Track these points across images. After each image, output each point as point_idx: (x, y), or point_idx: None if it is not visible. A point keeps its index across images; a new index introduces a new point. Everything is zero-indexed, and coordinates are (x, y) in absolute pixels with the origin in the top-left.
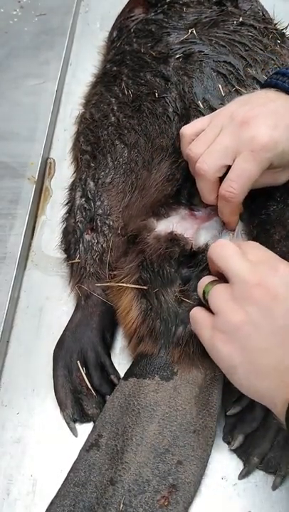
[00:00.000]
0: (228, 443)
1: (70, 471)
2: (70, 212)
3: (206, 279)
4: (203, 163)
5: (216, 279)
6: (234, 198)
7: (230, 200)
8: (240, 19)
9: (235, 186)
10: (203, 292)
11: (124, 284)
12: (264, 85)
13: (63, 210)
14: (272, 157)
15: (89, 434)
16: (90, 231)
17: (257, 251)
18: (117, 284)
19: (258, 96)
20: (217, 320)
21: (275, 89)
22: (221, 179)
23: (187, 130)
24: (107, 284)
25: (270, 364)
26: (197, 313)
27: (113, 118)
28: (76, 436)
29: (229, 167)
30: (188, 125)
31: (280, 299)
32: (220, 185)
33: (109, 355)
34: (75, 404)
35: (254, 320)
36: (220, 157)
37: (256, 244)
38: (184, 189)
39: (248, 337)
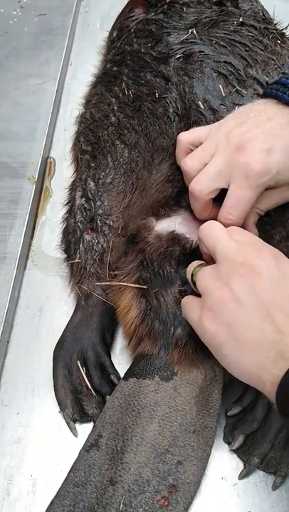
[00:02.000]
0: (229, 443)
1: (70, 471)
2: (70, 212)
3: (195, 263)
4: (198, 183)
5: (204, 262)
6: (233, 224)
7: (231, 225)
8: (241, 19)
9: (234, 213)
10: (192, 276)
11: (124, 283)
12: (264, 95)
13: (63, 210)
14: (268, 181)
15: (89, 434)
16: (90, 231)
17: (242, 233)
18: (117, 283)
19: (257, 110)
20: (204, 300)
21: (276, 101)
22: (215, 199)
23: (184, 137)
24: (107, 283)
25: (255, 339)
26: (187, 298)
27: (113, 118)
28: (76, 436)
29: (223, 189)
30: (186, 132)
31: (263, 276)
32: (212, 203)
33: (109, 355)
34: (75, 404)
35: (238, 296)
36: (213, 180)
37: (241, 229)
38: (185, 192)
39: (233, 313)
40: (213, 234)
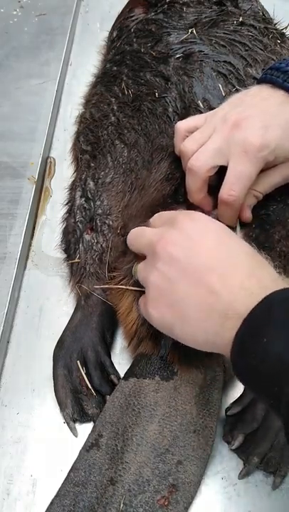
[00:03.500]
0: (228, 443)
1: (70, 471)
2: (70, 212)
3: (136, 263)
4: (197, 160)
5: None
6: (235, 201)
7: (232, 203)
8: (240, 19)
9: (236, 188)
10: (134, 275)
11: (123, 287)
12: (259, 81)
13: (63, 210)
14: (267, 155)
15: (89, 434)
16: (89, 231)
17: (159, 217)
18: (115, 286)
19: (252, 94)
20: (146, 291)
21: (270, 85)
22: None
23: (182, 125)
24: (106, 286)
25: (196, 309)
26: (139, 299)
27: (113, 118)
28: (76, 436)
29: (220, 170)
30: (183, 120)
31: (179, 245)
32: (207, 186)
33: (109, 355)
34: (75, 404)
35: (166, 274)
36: (213, 156)
37: (160, 213)
38: (181, 188)
39: (168, 292)
40: (134, 236)
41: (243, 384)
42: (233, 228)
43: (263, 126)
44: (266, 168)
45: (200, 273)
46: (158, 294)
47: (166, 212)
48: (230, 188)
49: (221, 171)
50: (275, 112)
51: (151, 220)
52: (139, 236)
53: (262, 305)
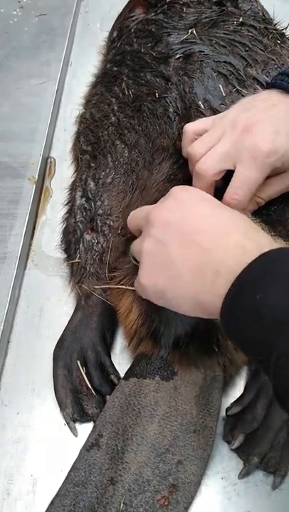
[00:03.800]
0: (228, 443)
1: (70, 471)
2: (70, 212)
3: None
4: (204, 163)
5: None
6: (238, 205)
7: (234, 206)
8: (241, 19)
9: (240, 193)
10: (131, 255)
11: (123, 287)
12: (269, 86)
13: (63, 210)
14: (275, 161)
15: (89, 434)
16: (90, 231)
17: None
18: (115, 287)
19: (261, 99)
20: (140, 265)
21: (280, 91)
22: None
23: (190, 127)
24: (106, 286)
25: (188, 268)
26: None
27: (113, 118)
28: (76, 436)
29: (226, 174)
30: (191, 123)
31: (173, 210)
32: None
33: (109, 355)
34: (75, 404)
35: (159, 238)
36: (220, 160)
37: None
38: None
39: (160, 255)
40: (132, 215)
41: (232, 341)
42: None
43: (274, 131)
44: (272, 175)
45: (193, 234)
46: (151, 260)
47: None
48: (235, 192)
49: (228, 174)
50: (284, 118)
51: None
52: (137, 212)
53: (257, 262)
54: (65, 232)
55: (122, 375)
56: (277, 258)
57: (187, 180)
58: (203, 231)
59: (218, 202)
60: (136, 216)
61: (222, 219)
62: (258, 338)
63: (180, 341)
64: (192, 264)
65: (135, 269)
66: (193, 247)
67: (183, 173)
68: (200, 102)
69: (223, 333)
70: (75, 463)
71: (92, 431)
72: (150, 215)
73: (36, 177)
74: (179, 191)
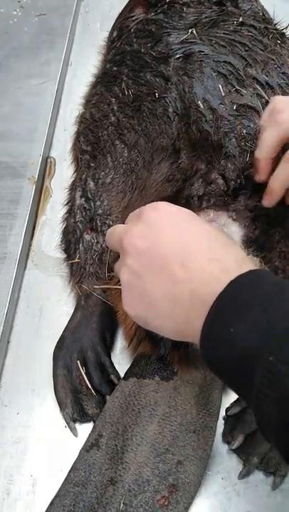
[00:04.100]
0: (228, 443)
1: (70, 471)
2: (70, 212)
3: None
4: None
5: None
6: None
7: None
8: (241, 19)
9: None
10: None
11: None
12: None
13: (63, 210)
14: None
15: (89, 434)
16: (89, 231)
17: (131, 213)
18: (115, 287)
19: None
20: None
21: None
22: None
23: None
24: (105, 286)
25: (163, 298)
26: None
27: (113, 118)
28: (76, 436)
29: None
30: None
31: (143, 236)
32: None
33: (109, 355)
34: (75, 404)
35: (133, 267)
36: None
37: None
38: (182, 190)
39: (137, 286)
40: (110, 235)
41: (213, 373)
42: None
43: None
44: None
45: (163, 262)
46: (130, 289)
47: (136, 209)
48: None
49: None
50: None
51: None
52: (111, 234)
53: (226, 292)
54: (65, 232)
55: (121, 375)
56: (245, 284)
57: (186, 180)
58: (173, 257)
59: (190, 214)
60: (110, 238)
61: (190, 237)
62: (236, 372)
63: (179, 342)
64: (167, 295)
65: None
66: (166, 278)
67: (182, 173)
68: (199, 102)
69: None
70: (74, 463)
71: (92, 431)
72: (123, 242)
73: (36, 177)
74: (148, 212)
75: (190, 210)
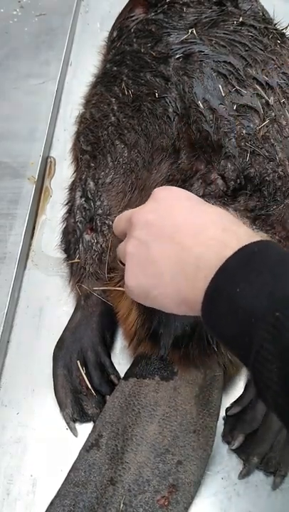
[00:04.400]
0: (228, 443)
1: (70, 471)
2: (70, 212)
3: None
4: None
5: None
6: None
7: None
8: (241, 19)
9: None
10: (118, 258)
11: (121, 289)
12: None
13: (63, 210)
14: None
15: (89, 434)
16: (89, 231)
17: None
18: (114, 288)
19: None
20: (125, 267)
21: None
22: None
23: None
24: (105, 287)
25: (170, 266)
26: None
27: (113, 118)
28: (76, 436)
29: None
30: None
31: (154, 211)
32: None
33: (109, 355)
34: (75, 404)
35: (140, 238)
36: None
37: None
38: None
39: (144, 256)
40: (117, 219)
41: (212, 334)
42: None
43: None
44: None
45: (173, 232)
46: (135, 261)
47: None
48: None
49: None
50: None
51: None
52: (121, 216)
53: (236, 256)
54: (65, 232)
55: (121, 375)
56: (256, 251)
57: (185, 180)
58: (182, 228)
59: (199, 199)
60: (120, 220)
61: (201, 215)
62: (237, 332)
63: (180, 342)
64: (173, 261)
65: None
66: (174, 245)
67: (181, 173)
68: (199, 102)
69: (204, 327)
70: (74, 463)
71: (91, 431)
72: (132, 218)
73: (36, 177)
74: (159, 191)
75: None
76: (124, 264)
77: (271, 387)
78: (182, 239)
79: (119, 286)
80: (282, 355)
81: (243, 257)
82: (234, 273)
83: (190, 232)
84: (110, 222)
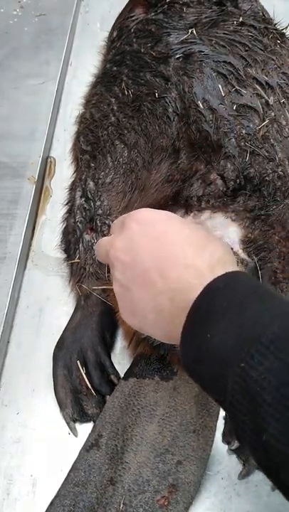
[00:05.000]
0: (228, 443)
1: (70, 471)
2: (70, 212)
3: None
4: None
5: None
6: None
7: None
8: (240, 19)
9: None
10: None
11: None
12: None
13: (63, 210)
14: None
15: (89, 434)
16: (89, 231)
17: (115, 222)
18: (112, 288)
19: None
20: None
21: None
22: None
23: None
24: (105, 286)
25: (149, 309)
26: None
27: (113, 118)
28: (76, 436)
29: None
30: None
31: (125, 249)
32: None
33: (109, 355)
34: (75, 404)
35: (121, 281)
36: None
37: (117, 218)
38: (182, 190)
39: (126, 298)
40: (98, 248)
41: (192, 378)
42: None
43: None
44: None
45: (144, 275)
46: (122, 301)
47: (120, 217)
48: None
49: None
50: None
51: (112, 226)
52: (98, 247)
53: (200, 298)
54: (65, 232)
55: (121, 375)
56: (220, 287)
57: (185, 180)
58: (151, 272)
59: (168, 220)
60: (99, 252)
61: (167, 245)
62: (213, 377)
63: None
64: (152, 304)
65: None
66: (148, 290)
67: (181, 173)
68: (199, 102)
69: (184, 370)
70: (74, 463)
71: (91, 431)
72: (109, 255)
73: (36, 177)
74: (129, 224)
75: (169, 212)
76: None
77: (246, 438)
78: (153, 282)
79: None
80: (252, 406)
81: (208, 297)
82: (202, 316)
83: (158, 274)
84: (110, 223)
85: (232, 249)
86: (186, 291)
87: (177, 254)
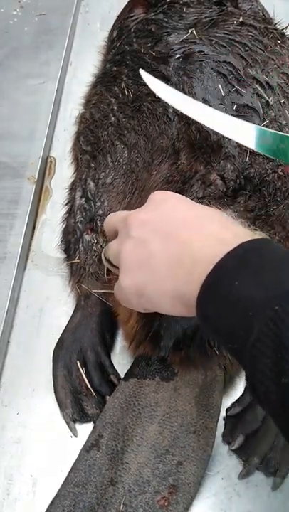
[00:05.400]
0: (229, 443)
1: (70, 471)
2: (70, 212)
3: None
4: None
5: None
6: None
7: None
8: (241, 19)
9: None
10: (106, 257)
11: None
12: None
13: (63, 210)
14: None
15: (89, 435)
16: (89, 231)
17: (116, 220)
18: (112, 291)
19: None
20: (120, 269)
21: None
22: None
23: None
24: (105, 290)
25: (167, 259)
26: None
27: (113, 118)
28: (76, 436)
29: None
30: None
31: (151, 211)
32: None
33: (109, 355)
34: (75, 404)
35: (138, 236)
36: None
37: None
38: (182, 191)
39: (140, 253)
40: (110, 217)
41: (206, 330)
42: None
43: None
44: None
45: (172, 228)
46: (131, 259)
47: (118, 212)
48: None
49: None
50: None
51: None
52: (114, 215)
53: (235, 251)
54: (65, 232)
55: (121, 375)
56: (255, 247)
57: (185, 181)
58: (181, 225)
59: (196, 203)
60: (113, 218)
61: (199, 214)
62: (233, 326)
63: (180, 344)
64: (171, 255)
65: None
66: (172, 241)
67: (181, 174)
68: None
69: (197, 321)
70: (74, 463)
71: (92, 431)
72: (128, 218)
73: (36, 177)
74: (155, 195)
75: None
76: (112, 265)
77: (264, 382)
78: (181, 234)
79: None
80: (278, 350)
81: (242, 253)
82: (232, 268)
83: (188, 228)
84: None
85: None
86: (218, 245)
87: (213, 220)
